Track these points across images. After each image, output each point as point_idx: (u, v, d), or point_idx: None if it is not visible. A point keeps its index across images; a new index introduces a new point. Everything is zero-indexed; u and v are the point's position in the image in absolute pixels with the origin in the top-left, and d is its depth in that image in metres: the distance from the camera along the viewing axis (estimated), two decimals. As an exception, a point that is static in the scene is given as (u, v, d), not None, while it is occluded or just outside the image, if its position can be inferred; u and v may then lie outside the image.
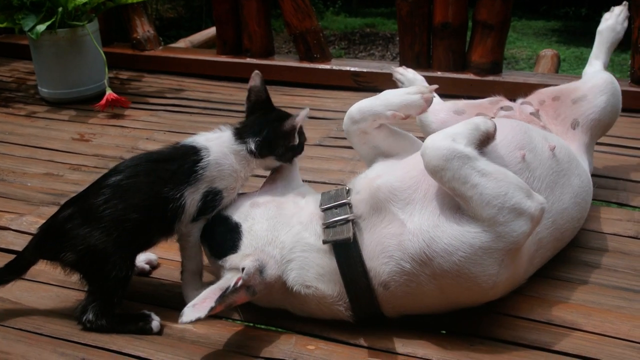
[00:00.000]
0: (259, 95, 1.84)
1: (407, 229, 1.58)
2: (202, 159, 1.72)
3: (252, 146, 1.77)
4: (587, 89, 2.25)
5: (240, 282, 1.55)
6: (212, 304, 1.51)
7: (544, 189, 1.76)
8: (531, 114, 2.20)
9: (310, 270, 1.63)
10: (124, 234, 1.65)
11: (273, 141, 1.79)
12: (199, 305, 1.53)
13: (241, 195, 1.81)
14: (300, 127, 1.82)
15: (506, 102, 2.27)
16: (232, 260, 1.64)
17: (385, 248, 1.59)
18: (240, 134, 1.80)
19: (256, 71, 1.85)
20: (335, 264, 1.61)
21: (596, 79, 2.28)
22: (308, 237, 1.65)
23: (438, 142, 1.56)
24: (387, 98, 1.83)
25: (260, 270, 1.60)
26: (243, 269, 1.56)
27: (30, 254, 1.73)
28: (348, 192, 1.72)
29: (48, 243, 1.70)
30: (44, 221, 1.76)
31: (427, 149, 1.57)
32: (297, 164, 1.91)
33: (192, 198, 1.70)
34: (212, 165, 1.72)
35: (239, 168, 1.77)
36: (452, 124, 2.12)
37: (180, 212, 1.70)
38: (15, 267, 1.74)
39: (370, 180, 1.70)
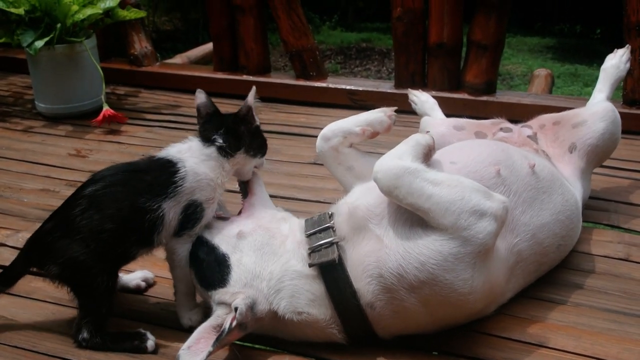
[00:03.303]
0: (207, 109, 1.85)
1: (384, 244, 1.62)
2: (178, 170, 1.73)
3: (220, 140, 1.79)
4: (587, 115, 2.31)
5: (234, 323, 1.57)
6: (210, 348, 1.54)
7: (521, 203, 1.81)
8: (528, 136, 2.24)
9: (301, 297, 1.65)
10: (101, 245, 1.66)
11: (237, 128, 1.81)
12: (194, 348, 1.56)
13: (226, 220, 1.82)
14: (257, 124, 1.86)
15: (507, 124, 2.32)
16: (221, 295, 1.65)
17: (366, 267, 1.62)
18: (206, 136, 1.81)
19: (198, 89, 1.86)
20: (324, 288, 1.64)
21: (597, 107, 2.36)
22: (296, 265, 1.67)
23: (386, 164, 1.64)
24: (354, 117, 2.00)
25: (251, 307, 1.62)
26: (236, 309, 1.58)
27: (20, 266, 1.76)
28: (331, 216, 1.76)
29: (33, 256, 1.73)
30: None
31: (378, 172, 1.65)
32: (263, 185, 1.95)
33: (173, 211, 1.71)
34: (189, 175, 1.73)
35: (214, 176, 1.77)
36: (451, 138, 2.18)
37: (159, 224, 1.70)
38: (5, 279, 1.78)
39: (349, 203, 1.75)
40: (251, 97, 1.83)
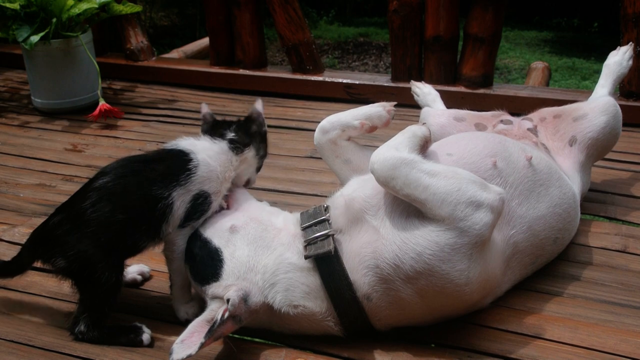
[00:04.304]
0: (212, 117, 1.92)
1: (380, 235, 1.62)
2: (192, 159, 1.75)
3: (232, 134, 1.83)
4: (589, 109, 2.31)
5: (227, 315, 1.57)
6: (202, 339, 1.53)
7: (517, 195, 1.81)
8: (528, 129, 2.24)
9: (296, 290, 1.64)
10: (111, 237, 1.66)
11: (248, 126, 1.87)
12: (187, 341, 1.55)
13: (217, 214, 1.81)
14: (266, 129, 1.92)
15: (507, 117, 2.32)
16: (214, 289, 1.65)
17: (362, 259, 1.62)
18: (216, 131, 1.85)
19: (203, 103, 1.95)
20: (320, 280, 1.64)
21: (599, 101, 2.36)
22: (291, 257, 1.67)
23: (383, 154, 1.64)
24: (354, 111, 1.98)
25: (244, 299, 1.61)
26: (228, 300, 1.58)
27: (25, 258, 1.76)
28: (326, 209, 1.75)
29: (39, 249, 1.72)
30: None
31: (375, 163, 1.64)
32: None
33: (181, 200, 1.72)
34: (202, 165, 1.75)
35: (222, 169, 1.79)
36: (451, 129, 2.18)
37: (168, 212, 1.71)
38: (11, 269, 1.78)
39: (346, 196, 1.75)
40: (259, 105, 1.91)
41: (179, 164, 1.74)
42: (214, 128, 1.86)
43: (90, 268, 1.66)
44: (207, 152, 1.79)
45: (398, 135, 1.74)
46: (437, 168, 1.61)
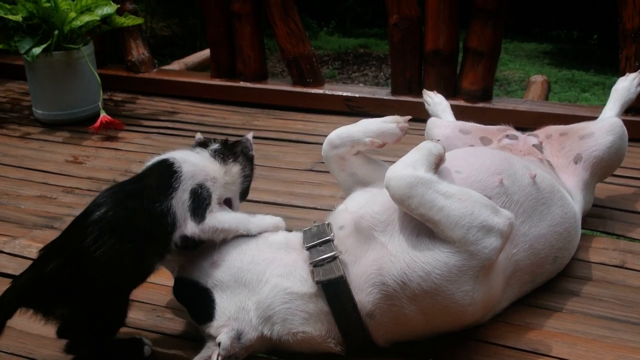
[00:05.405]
0: (201, 138, 1.88)
1: (388, 251, 1.61)
2: (173, 162, 1.68)
3: (216, 146, 1.79)
4: (596, 128, 2.33)
5: (220, 359, 1.58)
6: None
7: (521, 214, 1.81)
8: (534, 145, 2.26)
9: (295, 318, 1.63)
10: (121, 271, 1.55)
11: (234, 146, 1.83)
12: None
13: (196, 251, 1.74)
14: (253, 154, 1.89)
15: (513, 131, 2.33)
16: (209, 329, 1.64)
17: (368, 277, 1.62)
18: (201, 144, 1.82)
19: (198, 133, 1.92)
20: (320, 305, 1.63)
21: (606, 121, 2.37)
22: (291, 287, 1.64)
23: (400, 172, 1.62)
24: (365, 125, 1.92)
25: (237, 338, 1.61)
26: (219, 344, 1.57)
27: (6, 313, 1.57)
28: (329, 226, 1.74)
29: (34, 301, 1.57)
30: (37, 244, 1.74)
31: (391, 180, 1.63)
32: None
33: (181, 202, 1.62)
34: (183, 163, 1.67)
35: (207, 162, 1.73)
36: (456, 142, 2.17)
37: (174, 221, 1.61)
38: None
39: (353, 213, 1.73)
40: (250, 135, 1.89)
41: (165, 171, 1.66)
42: (199, 144, 1.83)
43: (98, 311, 1.59)
44: (185, 153, 1.74)
45: (414, 152, 1.72)
46: (452, 189, 1.61)
